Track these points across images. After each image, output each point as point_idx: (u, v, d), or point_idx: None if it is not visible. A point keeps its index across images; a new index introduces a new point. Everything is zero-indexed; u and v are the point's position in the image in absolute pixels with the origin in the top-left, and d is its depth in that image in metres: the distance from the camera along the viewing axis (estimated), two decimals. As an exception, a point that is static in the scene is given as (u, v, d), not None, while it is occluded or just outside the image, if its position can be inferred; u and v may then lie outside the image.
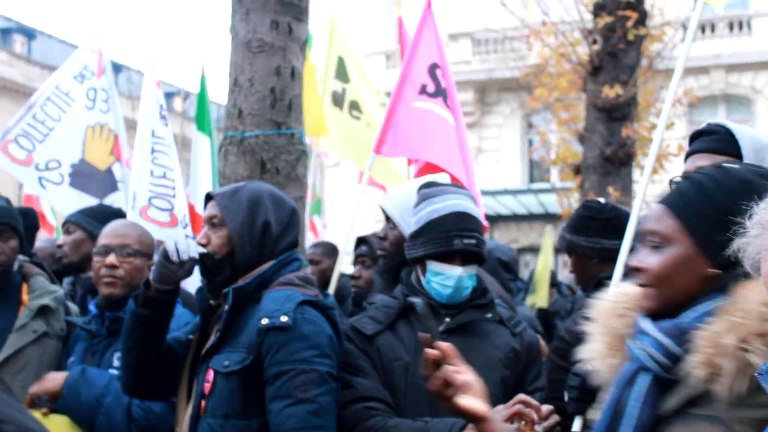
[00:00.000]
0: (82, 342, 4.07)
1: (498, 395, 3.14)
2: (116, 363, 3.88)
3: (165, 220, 4.83)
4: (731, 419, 1.87)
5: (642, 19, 12.34)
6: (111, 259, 3.97)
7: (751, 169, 2.15)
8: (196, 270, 3.33)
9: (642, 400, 2.04)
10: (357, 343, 3.34)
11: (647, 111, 13.75)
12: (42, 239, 8.35)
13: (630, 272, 2.16)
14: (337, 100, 7.05)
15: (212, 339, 3.24)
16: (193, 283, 4.28)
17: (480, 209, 3.72)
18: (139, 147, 5.03)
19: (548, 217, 25.34)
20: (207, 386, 3.13)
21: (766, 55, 25.21)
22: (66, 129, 6.07)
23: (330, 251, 6.62)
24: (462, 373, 2.18)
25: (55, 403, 3.77)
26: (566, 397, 3.22)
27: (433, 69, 6.32)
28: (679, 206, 2.11)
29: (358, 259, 5.03)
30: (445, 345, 2.23)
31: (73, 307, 4.57)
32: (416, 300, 3.03)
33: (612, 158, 12.28)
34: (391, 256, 3.98)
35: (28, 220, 5.02)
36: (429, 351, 2.20)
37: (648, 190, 4.03)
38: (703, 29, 26.19)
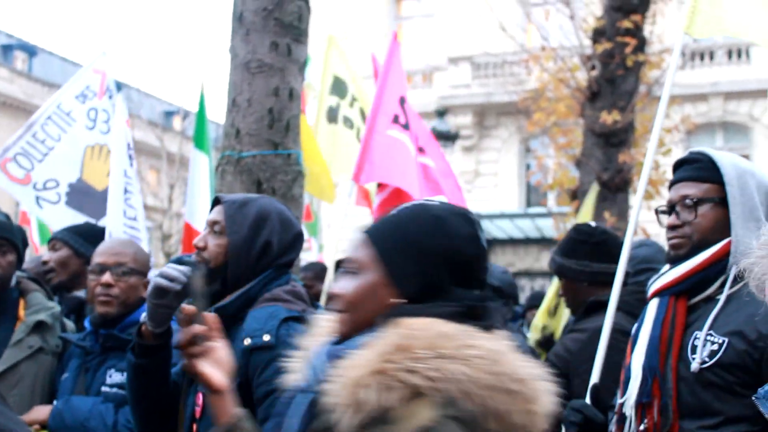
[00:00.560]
0: (76, 358, 4.07)
1: None
2: (109, 380, 3.89)
3: None
4: None
5: (641, 45, 12.38)
6: (106, 277, 3.97)
7: (447, 207, 2.22)
8: None
9: (298, 417, 2.14)
10: None
11: (645, 137, 13.76)
12: (29, 259, 8.36)
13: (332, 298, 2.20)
14: (332, 116, 7.09)
15: None
16: None
17: None
18: (113, 185, 5.06)
19: (544, 242, 25.33)
20: (198, 410, 3.06)
21: (765, 83, 25.25)
22: (65, 148, 6.07)
23: (320, 273, 6.60)
24: (219, 348, 2.21)
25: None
26: (564, 431, 3.21)
27: (402, 102, 6.48)
28: (376, 236, 2.16)
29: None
30: (210, 316, 2.26)
31: (69, 324, 4.58)
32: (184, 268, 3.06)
33: (609, 184, 12.28)
34: None
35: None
36: (197, 327, 2.20)
37: (644, 216, 4.06)
38: (702, 56, 26.29)
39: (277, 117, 4.65)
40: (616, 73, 12.31)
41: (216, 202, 3.31)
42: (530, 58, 15.01)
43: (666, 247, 3.30)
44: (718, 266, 3.00)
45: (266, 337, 2.95)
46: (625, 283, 4.07)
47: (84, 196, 6.07)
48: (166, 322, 3.18)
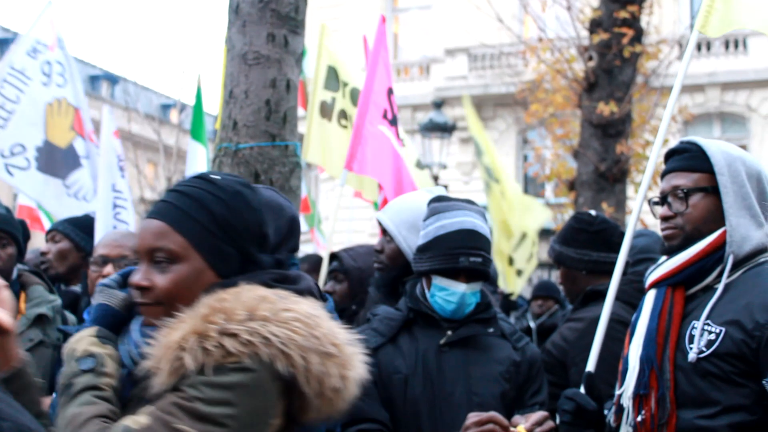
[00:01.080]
0: (74, 350, 4.07)
1: (498, 410, 3.17)
2: (109, 372, 3.88)
3: None
4: None
5: (638, 36, 12.38)
6: (108, 270, 3.98)
7: (233, 179, 2.27)
8: None
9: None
10: None
11: (642, 128, 13.78)
12: (31, 250, 8.34)
13: (135, 288, 2.19)
14: (326, 110, 7.06)
15: None
16: None
17: None
18: (102, 203, 5.02)
19: (542, 233, 25.34)
20: None
21: (762, 73, 25.27)
22: (26, 109, 5.91)
23: (317, 265, 6.60)
24: (2, 287, 2.09)
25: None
26: (558, 420, 3.20)
27: (390, 93, 6.44)
28: (182, 222, 2.15)
29: (331, 275, 5.05)
30: None
31: (71, 317, 4.57)
32: None
33: (606, 174, 12.29)
34: (387, 269, 3.98)
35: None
36: None
37: (644, 207, 4.05)
38: (699, 47, 26.25)
39: (274, 108, 4.64)
40: (613, 63, 12.30)
41: None
42: (527, 49, 15.01)
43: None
44: (715, 256, 3.00)
45: None
46: (624, 273, 4.08)
47: (51, 157, 5.93)
48: None
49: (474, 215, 3.40)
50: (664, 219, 3.15)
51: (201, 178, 2.25)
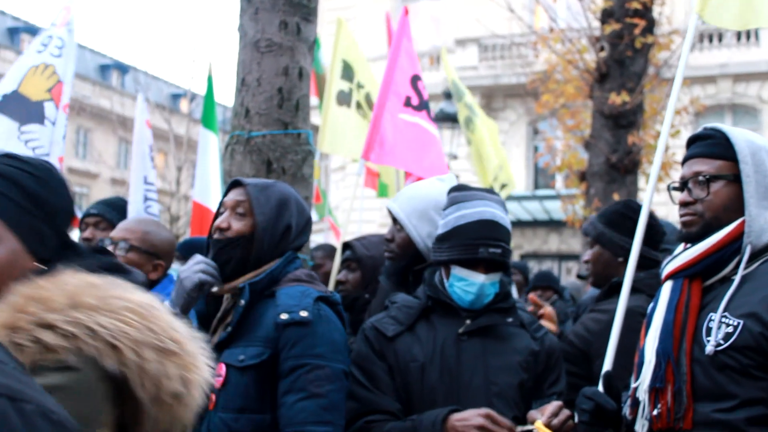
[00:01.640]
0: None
1: (516, 399, 3.16)
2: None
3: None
4: None
5: (650, 26, 12.33)
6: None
7: (40, 159, 2.09)
8: None
9: None
10: (374, 344, 3.34)
11: (653, 119, 13.72)
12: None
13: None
14: (343, 98, 7.04)
15: (221, 334, 3.22)
16: None
17: None
18: (133, 196, 5.00)
19: (552, 224, 25.33)
20: (219, 380, 3.12)
21: (774, 65, 25.20)
22: (12, 71, 5.87)
23: (331, 254, 6.60)
24: None
25: None
26: (576, 419, 3.16)
27: (415, 81, 6.37)
28: None
29: (343, 264, 5.04)
30: None
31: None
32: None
33: (617, 165, 12.26)
34: (398, 258, 3.95)
35: None
36: None
37: (654, 198, 4.00)
38: (711, 38, 26.17)
39: (286, 96, 4.63)
40: (624, 54, 12.26)
41: (234, 184, 3.38)
42: (538, 39, 14.95)
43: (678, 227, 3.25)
44: (733, 246, 2.95)
45: (303, 313, 3.07)
46: (649, 266, 4.02)
47: (14, 103, 5.81)
48: (189, 311, 3.31)
49: (494, 205, 3.38)
50: (683, 205, 3.09)
51: (6, 156, 2.02)
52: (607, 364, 3.43)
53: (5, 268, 1.89)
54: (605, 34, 12.44)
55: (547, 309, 4.54)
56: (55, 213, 1.99)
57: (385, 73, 6.16)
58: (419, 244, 3.78)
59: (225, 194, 3.40)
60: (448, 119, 17.10)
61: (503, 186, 10.77)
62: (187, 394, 1.71)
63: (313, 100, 7.26)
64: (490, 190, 3.52)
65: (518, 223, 26.75)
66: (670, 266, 3.13)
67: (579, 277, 8.28)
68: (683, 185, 3.12)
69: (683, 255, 3.08)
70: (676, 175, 3.52)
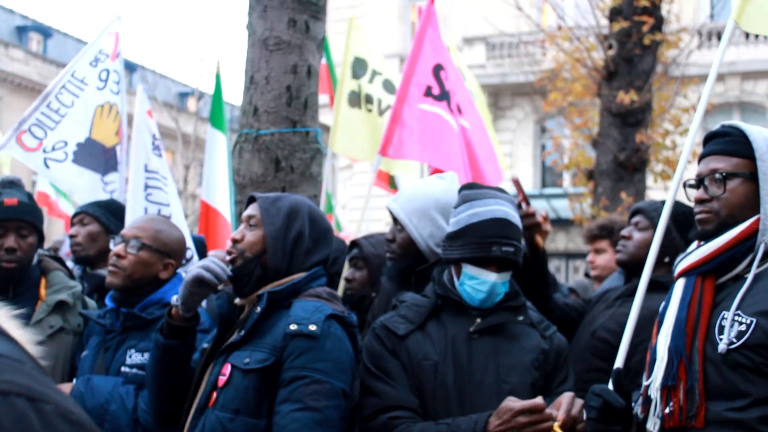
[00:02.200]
0: (96, 336, 4.08)
1: (528, 398, 3.14)
2: (129, 360, 3.89)
3: None
4: None
5: (658, 24, 12.31)
6: (119, 248, 3.98)
7: None
8: None
9: None
10: (386, 343, 3.33)
11: (662, 117, 13.71)
12: (55, 239, 8.36)
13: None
14: (354, 100, 7.03)
15: (235, 336, 3.26)
16: None
17: None
18: (132, 184, 5.00)
19: (560, 223, 25.28)
20: (222, 379, 3.16)
21: (782, 63, 25.13)
22: (77, 112, 5.98)
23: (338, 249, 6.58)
24: None
25: None
26: (584, 416, 3.13)
27: (437, 70, 6.24)
28: None
29: (351, 262, 5.03)
30: None
31: (91, 302, 4.57)
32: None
33: (625, 164, 12.24)
34: (399, 259, 3.94)
35: None
36: None
37: (656, 196, 3.93)
38: (719, 36, 26.10)
39: (295, 94, 4.63)
40: (633, 52, 12.25)
41: (250, 200, 3.47)
42: (546, 37, 14.94)
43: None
44: (746, 244, 2.93)
45: (312, 327, 3.10)
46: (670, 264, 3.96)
47: (91, 153, 5.96)
48: (196, 308, 3.38)
49: (506, 204, 3.37)
50: (699, 202, 3.07)
51: None
52: (619, 362, 3.40)
53: None
54: (613, 32, 12.42)
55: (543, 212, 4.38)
56: None
57: (408, 63, 6.08)
58: (420, 244, 3.77)
59: (244, 209, 3.51)
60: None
61: None
62: None
63: (323, 98, 7.24)
64: (502, 189, 3.50)
65: (526, 222, 26.69)
66: (683, 264, 3.11)
67: (586, 275, 8.25)
68: (699, 182, 3.10)
69: (696, 252, 3.06)
70: (684, 173, 3.48)
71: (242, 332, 3.21)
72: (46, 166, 5.84)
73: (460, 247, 3.32)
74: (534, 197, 25.09)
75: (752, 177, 2.97)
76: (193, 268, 3.32)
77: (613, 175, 12.40)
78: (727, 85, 25.66)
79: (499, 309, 3.37)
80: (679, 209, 4.23)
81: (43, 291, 4.28)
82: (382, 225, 22.04)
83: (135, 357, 3.88)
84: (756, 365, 2.75)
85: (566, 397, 3.07)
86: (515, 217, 3.37)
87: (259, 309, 3.20)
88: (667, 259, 4.10)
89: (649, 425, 3.02)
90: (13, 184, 4.37)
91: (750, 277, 2.88)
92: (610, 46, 12.54)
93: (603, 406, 3.03)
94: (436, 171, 5.64)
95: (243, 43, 4.89)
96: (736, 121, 3.18)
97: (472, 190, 3.44)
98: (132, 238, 4.01)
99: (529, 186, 27.07)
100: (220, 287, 3.35)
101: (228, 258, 3.35)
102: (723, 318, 2.86)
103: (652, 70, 12.51)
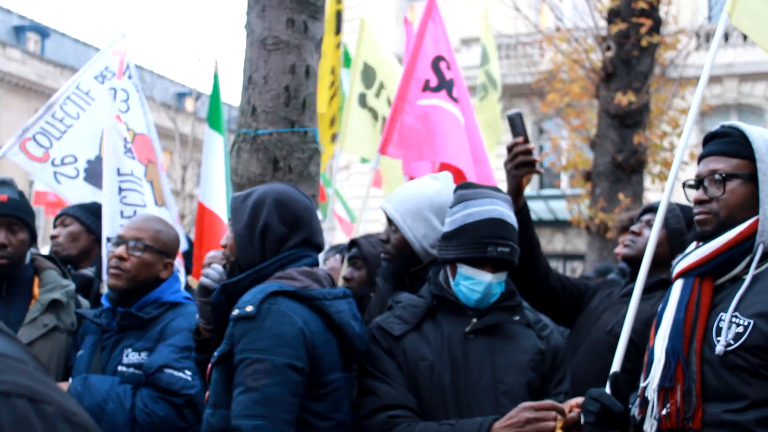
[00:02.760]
0: (91, 335, 4.07)
1: (524, 399, 3.13)
2: (126, 360, 3.88)
3: None
4: None
5: (656, 26, 12.32)
6: (120, 250, 3.98)
7: None
8: None
9: None
10: (382, 343, 3.31)
11: (659, 118, 13.71)
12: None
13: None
14: (363, 101, 7.03)
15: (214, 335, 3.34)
16: None
17: None
18: (106, 188, 5.01)
19: (558, 224, 25.28)
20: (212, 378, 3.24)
21: (780, 65, 25.14)
22: (84, 125, 6.01)
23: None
24: None
25: None
26: (582, 420, 3.12)
27: (436, 62, 6.15)
28: None
29: (350, 261, 5.02)
30: None
31: (84, 302, 4.57)
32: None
33: (623, 165, 12.25)
34: (393, 259, 3.92)
35: None
36: None
37: (654, 197, 3.93)
38: (718, 45, 26.12)
39: (293, 94, 4.62)
40: (631, 53, 12.26)
41: None
42: (544, 39, 14.93)
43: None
44: (745, 245, 2.92)
45: (249, 308, 3.05)
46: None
47: (101, 172, 6.03)
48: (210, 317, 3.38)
49: (502, 204, 3.35)
50: (699, 203, 3.06)
51: None
52: (616, 365, 3.38)
53: None
54: (611, 34, 12.44)
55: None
56: None
57: (408, 61, 6.03)
58: (415, 245, 3.74)
59: None
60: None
61: None
62: None
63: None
64: (498, 189, 3.49)
65: (523, 223, 26.68)
66: (681, 265, 3.10)
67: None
68: (699, 183, 3.09)
69: (694, 253, 3.05)
70: (681, 174, 3.47)
71: (215, 331, 3.26)
72: (57, 180, 5.86)
73: (455, 247, 3.30)
74: (531, 198, 25.02)
75: (752, 178, 2.96)
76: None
77: (611, 177, 12.41)
78: (725, 87, 25.67)
79: (495, 309, 3.35)
80: (691, 212, 4.23)
81: (36, 290, 4.27)
82: (380, 225, 22.01)
83: (132, 356, 3.88)
84: (753, 367, 2.74)
85: (570, 403, 3.07)
86: (511, 217, 3.35)
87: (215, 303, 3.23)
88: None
89: (646, 427, 3.01)
90: (4, 183, 4.36)
91: (748, 278, 2.88)
92: (608, 48, 12.55)
93: (601, 411, 3.01)
94: (443, 166, 5.60)
95: (241, 43, 4.88)
96: (735, 121, 3.17)
97: (467, 190, 3.42)
98: (132, 239, 4.00)
99: (527, 187, 26.97)
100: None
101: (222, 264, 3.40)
102: (721, 319, 2.85)
103: (650, 72, 12.52)
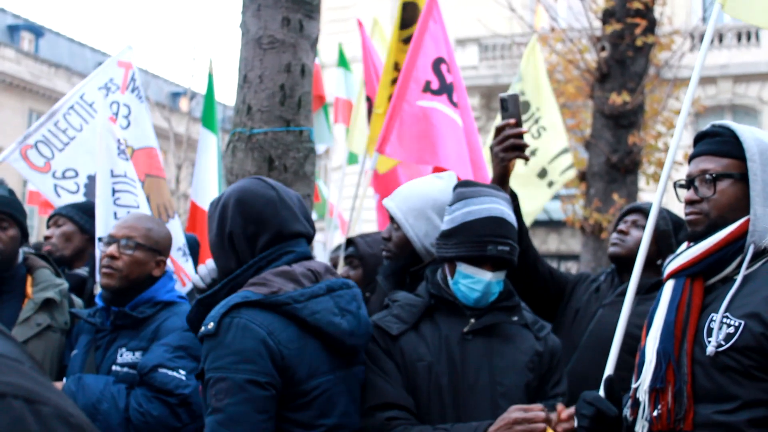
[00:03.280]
0: (85, 335, 4.06)
1: (522, 400, 3.13)
2: (120, 359, 3.87)
3: None
4: None
5: (651, 27, 12.32)
6: (111, 249, 3.97)
7: None
8: None
9: None
10: (380, 343, 3.30)
11: (654, 119, 13.72)
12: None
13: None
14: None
15: None
16: None
17: None
18: (99, 190, 4.99)
19: (552, 224, 25.29)
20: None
21: (774, 66, 25.19)
22: (86, 139, 5.96)
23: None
24: None
25: None
26: (576, 424, 3.12)
27: (437, 64, 6.11)
28: None
29: (346, 260, 5.02)
30: None
31: (78, 301, 4.56)
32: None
33: (618, 165, 12.25)
34: (395, 258, 3.90)
35: None
36: None
37: (649, 198, 3.93)
38: (711, 39, 26.16)
39: (288, 93, 4.61)
40: (626, 54, 12.25)
41: None
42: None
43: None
44: (736, 245, 2.91)
45: (210, 325, 2.92)
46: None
47: None
48: None
49: (501, 202, 3.32)
50: (689, 203, 3.06)
51: None
52: (609, 369, 3.38)
53: None
54: (606, 34, 12.44)
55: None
56: None
57: (408, 60, 6.00)
58: (416, 243, 3.72)
59: None
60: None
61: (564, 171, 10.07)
62: None
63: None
64: (496, 187, 3.48)
65: (518, 223, 26.66)
66: (671, 265, 3.10)
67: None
68: (689, 183, 3.09)
69: (685, 254, 3.05)
70: (675, 174, 3.48)
71: None
72: (57, 194, 5.82)
73: (454, 245, 3.28)
74: (526, 199, 25.05)
75: (742, 178, 2.96)
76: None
77: (606, 177, 12.41)
78: (719, 88, 25.72)
79: (493, 309, 3.34)
80: (676, 217, 4.25)
81: (29, 289, 4.26)
82: (375, 225, 22.00)
83: (126, 356, 3.87)
84: (744, 368, 2.74)
85: (569, 412, 3.07)
86: (511, 216, 3.33)
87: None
88: (659, 262, 4.09)
89: (638, 428, 2.99)
90: None
91: (739, 278, 2.87)
92: (603, 48, 12.54)
93: (596, 415, 3.01)
94: (437, 170, 5.59)
95: (236, 42, 4.87)
96: (727, 121, 3.17)
97: (467, 188, 3.40)
98: (123, 237, 3.99)
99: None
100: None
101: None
102: (711, 320, 2.84)
103: (645, 72, 12.52)
